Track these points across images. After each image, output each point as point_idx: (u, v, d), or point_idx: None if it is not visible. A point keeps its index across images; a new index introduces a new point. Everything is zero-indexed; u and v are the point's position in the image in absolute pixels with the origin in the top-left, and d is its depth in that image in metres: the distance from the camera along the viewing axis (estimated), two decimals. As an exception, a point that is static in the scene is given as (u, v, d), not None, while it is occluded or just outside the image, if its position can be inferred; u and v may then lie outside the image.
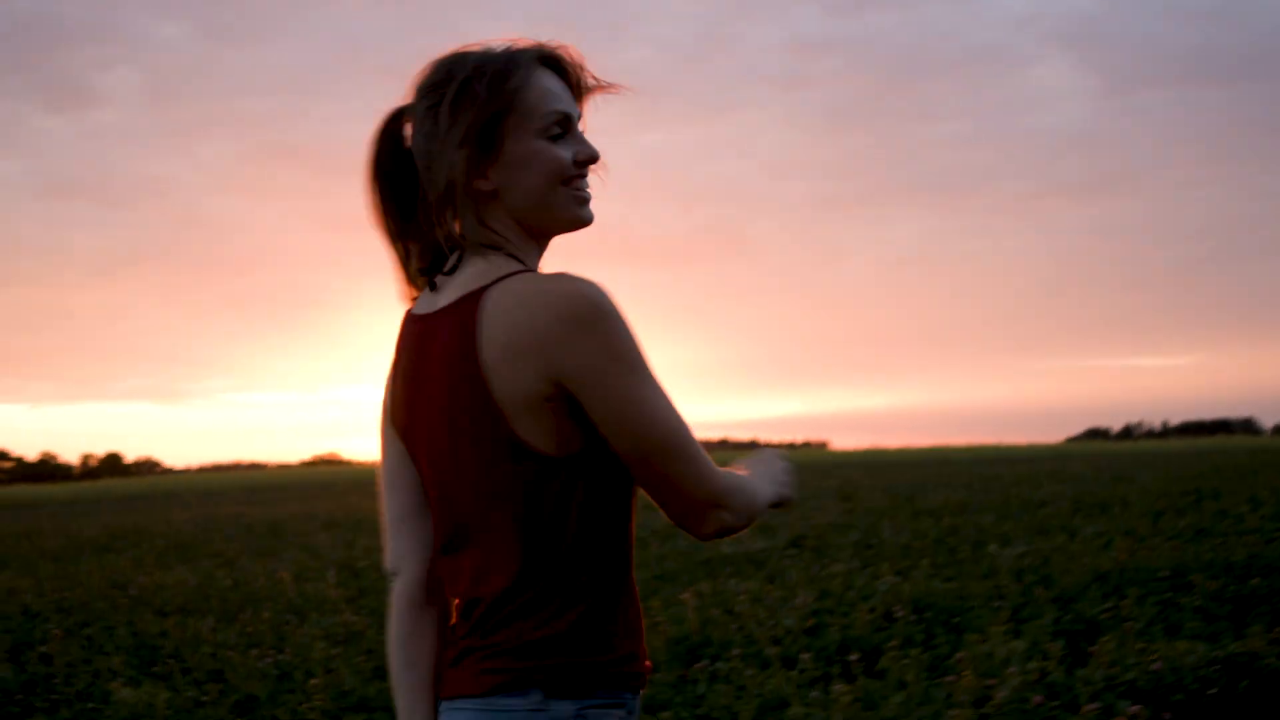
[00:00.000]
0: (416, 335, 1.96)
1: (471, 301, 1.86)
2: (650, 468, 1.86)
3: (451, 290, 1.92)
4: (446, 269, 1.95)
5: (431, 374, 1.91)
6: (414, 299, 2.03)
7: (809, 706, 5.90)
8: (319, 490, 50.47)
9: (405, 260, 2.02)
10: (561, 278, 1.82)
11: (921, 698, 6.04)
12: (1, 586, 13.80)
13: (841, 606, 8.86)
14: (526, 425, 1.83)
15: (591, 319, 1.79)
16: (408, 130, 1.99)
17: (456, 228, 1.94)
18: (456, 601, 1.97)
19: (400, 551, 2.06)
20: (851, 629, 7.94)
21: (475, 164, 1.91)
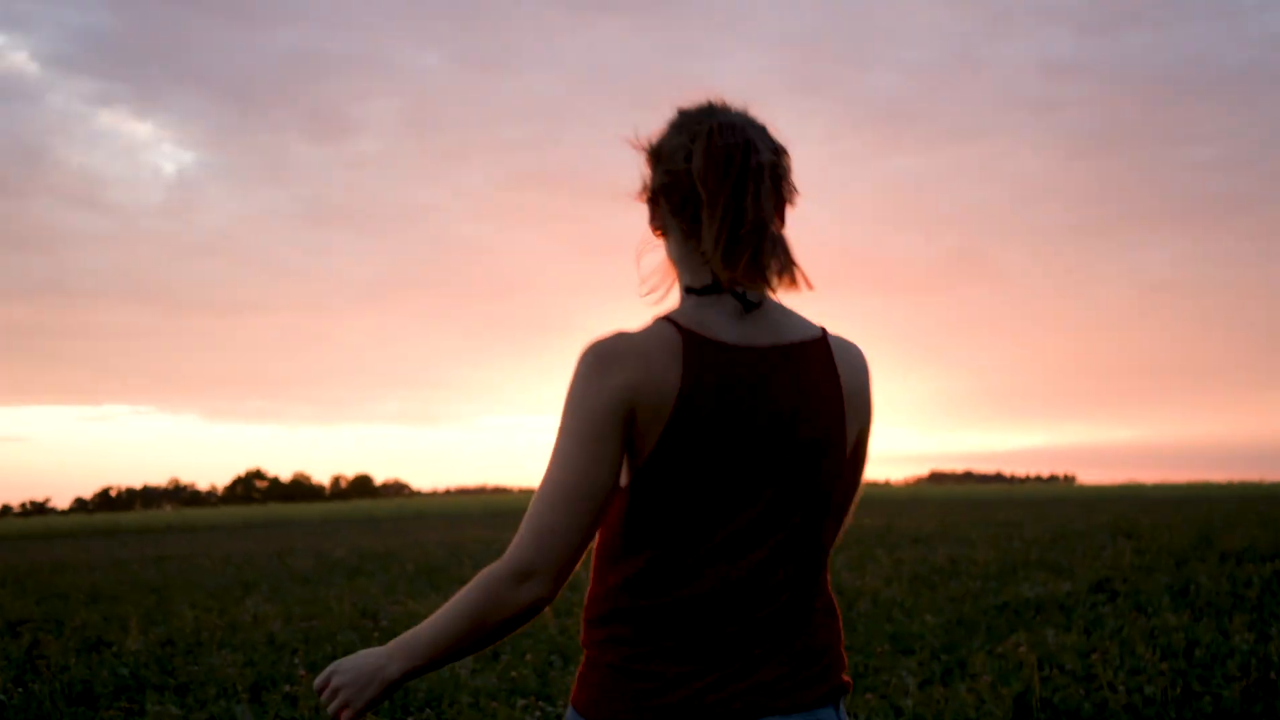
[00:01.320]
0: (762, 364, 2.01)
1: (823, 347, 2.08)
2: (846, 517, 2.19)
3: (768, 327, 2.05)
4: (754, 299, 2.03)
5: (807, 400, 2.02)
6: (676, 315, 2.03)
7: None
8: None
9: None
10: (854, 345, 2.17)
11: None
12: (248, 611, 13.18)
13: (1195, 669, 7.52)
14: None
15: (872, 383, 2.17)
16: (763, 149, 2.04)
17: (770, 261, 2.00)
18: (765, 610, 1.99)
19: (558, 564, 1.95)
20: (1224, 700, 6.61)
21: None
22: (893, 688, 7.18)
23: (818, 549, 2.05)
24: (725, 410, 1.95)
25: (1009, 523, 28.14)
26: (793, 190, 2.09)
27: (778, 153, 2.07)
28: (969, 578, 14.13)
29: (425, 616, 9.48)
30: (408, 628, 11.21)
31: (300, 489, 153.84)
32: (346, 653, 9.79)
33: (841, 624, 2.13)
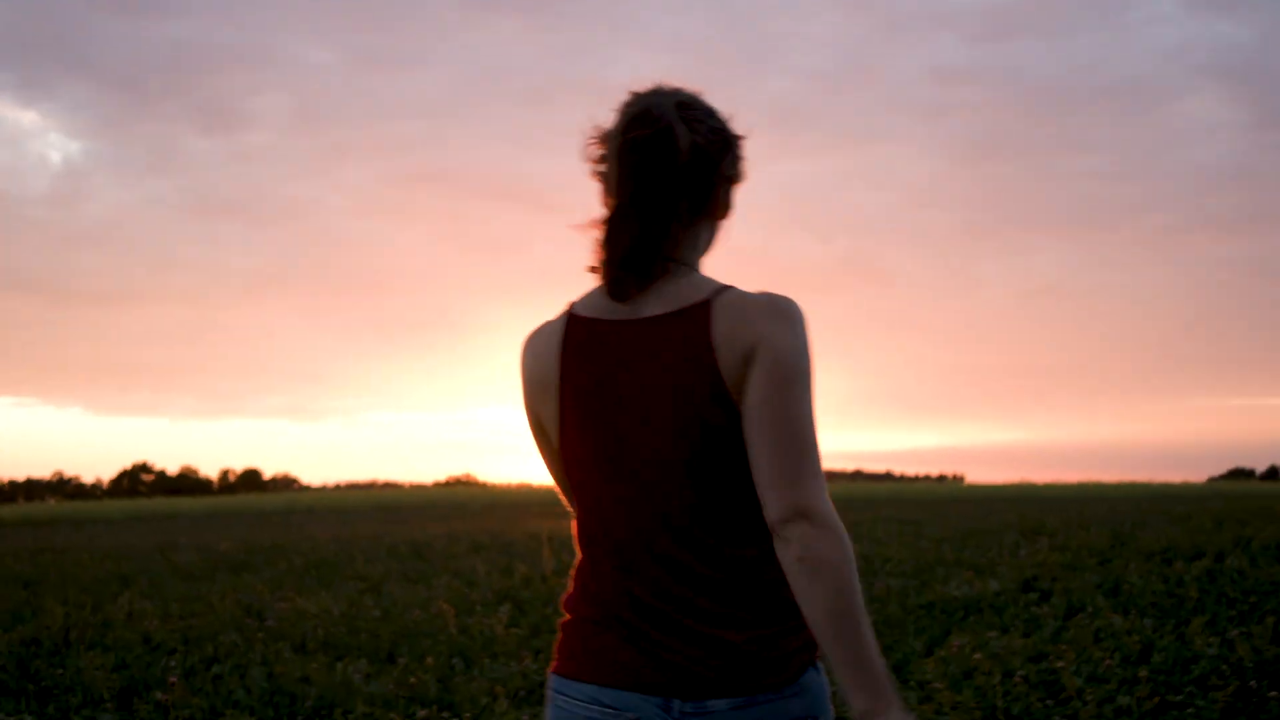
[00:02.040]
0: (624, 337, 2.02)
1: (702, 311, 1.97)
2: (776, 454, 1.90)
3: (654, 298, 2.02)
4: (647, 277, 2.01)
5: (655, 370, 1.98)
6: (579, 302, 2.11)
7: None
8: (455, 510, 49.35)
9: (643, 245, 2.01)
10: (774, 294, 1.99)
11: None
12: (123, 609, 12.18)
13: (1159, 675, 6.92)
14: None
15: (790, 313, 1.96)
16: (679, 131, 2.01)
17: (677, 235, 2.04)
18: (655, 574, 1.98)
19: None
20: (1204, 712, 6.00)
21: (730, 189, 2.12)
22: (837, 698, 6.51)
23: (700, 517, 1.99)
24: (591, 384, 2.03)
25: (910, 521, 27.71)
26: (721, 183, 2.10)
27: (712, 141, 2.06)
28: (888, 575, 13.52)
29: (314, 614, 8.45)
30: (295, 626, 10.33)
31: (187, 482, 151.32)
32: (228, 655, 8.95)
33: (769, 615, 2.00)
